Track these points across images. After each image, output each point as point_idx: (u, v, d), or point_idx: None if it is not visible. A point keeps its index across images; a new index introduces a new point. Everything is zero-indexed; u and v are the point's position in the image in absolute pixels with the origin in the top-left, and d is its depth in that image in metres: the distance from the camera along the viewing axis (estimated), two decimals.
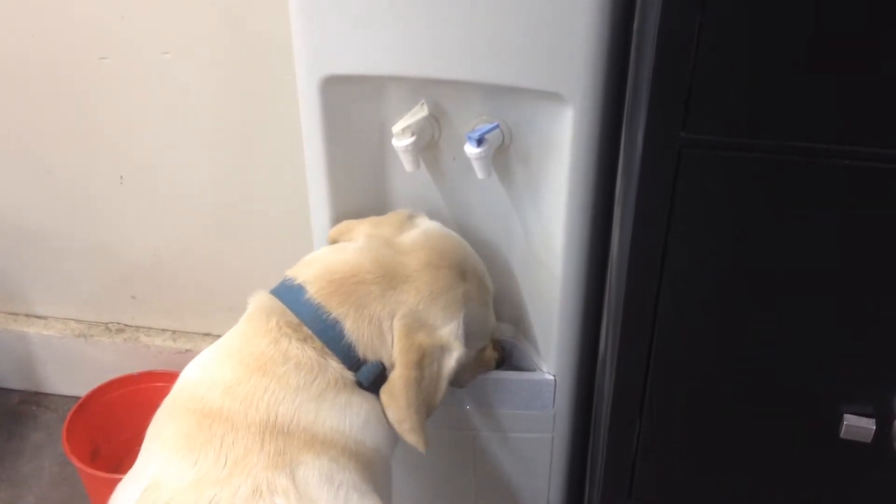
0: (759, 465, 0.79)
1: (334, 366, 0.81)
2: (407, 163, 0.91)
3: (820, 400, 0.74)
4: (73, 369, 1.59)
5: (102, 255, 1.50)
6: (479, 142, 0.86)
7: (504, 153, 0.93)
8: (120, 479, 1.27)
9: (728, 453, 0.80)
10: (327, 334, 0.82)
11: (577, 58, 0.81)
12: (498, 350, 1.00)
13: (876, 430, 0.71)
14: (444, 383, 0.86)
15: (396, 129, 0.89)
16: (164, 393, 1.42)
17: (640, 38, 0.73)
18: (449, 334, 0.85)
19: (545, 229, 0.95)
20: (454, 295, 0.87)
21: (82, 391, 1.43)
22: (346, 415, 0.81)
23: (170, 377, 1.45)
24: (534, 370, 1.03)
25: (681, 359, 0.75)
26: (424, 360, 0.83)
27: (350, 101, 0.92)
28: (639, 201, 0.68)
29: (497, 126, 0.90)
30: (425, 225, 0.93)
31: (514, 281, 1.01)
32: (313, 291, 0.83)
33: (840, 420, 0.72)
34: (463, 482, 1.13)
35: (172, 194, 1.41)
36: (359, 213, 0.99)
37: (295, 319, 0.82)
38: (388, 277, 0.84)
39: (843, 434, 0.72)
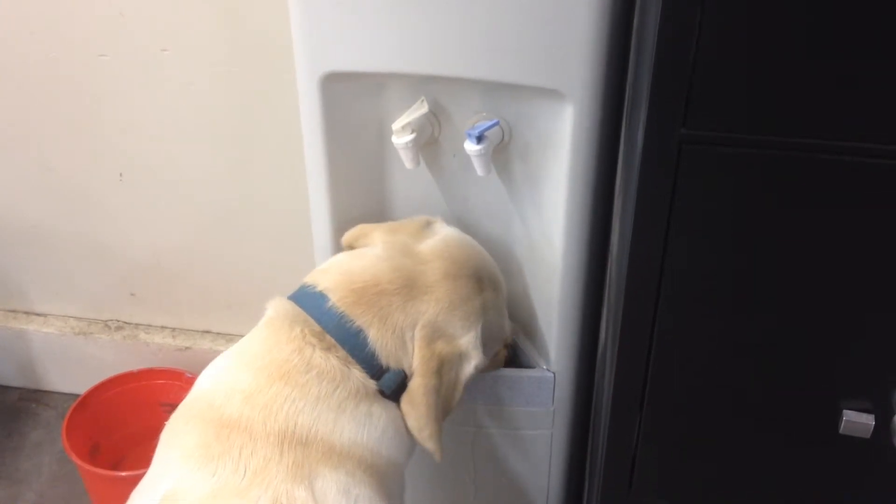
0: (758, 460, 0.79)
1: (357, 375, 0.81)
2: (407, 160, 0.91)
3: (819, 395, 0.74)
4: (73, 367, 1.59)
5: (102, 252, 1.50)
6: (479, 139, 0.86)
7: (504, 150, 0.93)
8: (119, 476, 1.29)
9: (727, 449, 0.80)
10: (351, 343, 0.81)
11: (576, 54, 0.81)
12: (508, 348, 1.00)
13: (875, 425, 0.72)
14: (461, 389, 0.86)
15: (396, 126, 0.89)
16: (163, 390, 1.45)
17: (641, 34, 0.73)
18: (467, 343, 0.86)
19: (545, 226, 0.95)
20: (472, 306, 0.87)
21: (82, 388, 1.43)
22: (365, 425, 0.80)
23: (169, 374, 1.46)
24: (533, 367, 1.03)
25: (680, 355, 0.76)
26: (444, 367, 0.84)
27: (350, 99, 0.92)
28: (639, 198, 0.69)
29: (497, 123, 0.89)
30: (444, 232, 0.92)
31: (514, 277, 1.01)
32: (336, 299, 0.83)
33: (839, 416, 0.73)
34: (463, 478, 1.13)
35: (172, 191, 1.41)
36: (359, 211, 0.99)
37: (318, 328, 0.82)
38: (409, 287, 0.84)
39: (842, 430, 0.72)
